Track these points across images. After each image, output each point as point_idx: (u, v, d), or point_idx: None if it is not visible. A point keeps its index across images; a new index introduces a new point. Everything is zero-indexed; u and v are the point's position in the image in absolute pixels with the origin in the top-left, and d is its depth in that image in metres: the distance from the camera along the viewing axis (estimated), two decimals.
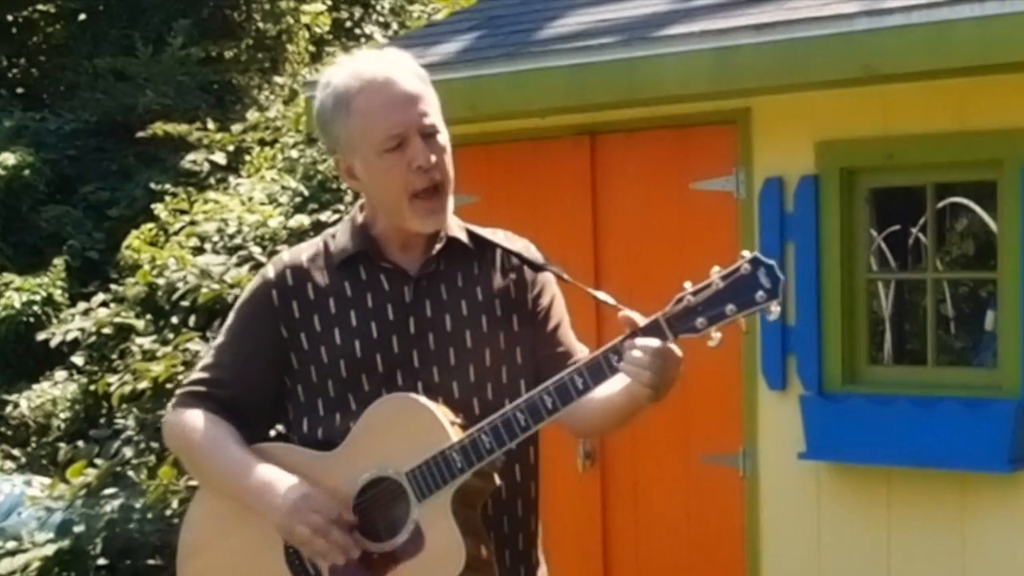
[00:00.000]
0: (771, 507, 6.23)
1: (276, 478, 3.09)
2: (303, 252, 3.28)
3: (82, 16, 20.09)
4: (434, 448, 3.00)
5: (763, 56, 5.71)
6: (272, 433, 3.34)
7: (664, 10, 6.44)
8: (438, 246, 3.21)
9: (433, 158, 3.11)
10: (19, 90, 19.46)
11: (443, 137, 3.16)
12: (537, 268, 3.27)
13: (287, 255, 3.28)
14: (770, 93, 5.99)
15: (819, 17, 5.60)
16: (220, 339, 3.32)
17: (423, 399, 3.06)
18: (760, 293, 2.85)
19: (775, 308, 2.86)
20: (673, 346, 2.93)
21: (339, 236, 3.26)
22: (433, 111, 3.15)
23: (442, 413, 3.04)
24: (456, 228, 3.26)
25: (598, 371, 2.96)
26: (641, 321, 2.95)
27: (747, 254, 2.89)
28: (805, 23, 5.62)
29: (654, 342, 2.90)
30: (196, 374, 3.31)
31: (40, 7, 20.46)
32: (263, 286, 3.25)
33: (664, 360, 2.91)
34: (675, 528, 6.53)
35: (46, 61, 20.54)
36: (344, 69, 3.17)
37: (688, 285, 2.91)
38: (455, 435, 3.00)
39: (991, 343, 5.95)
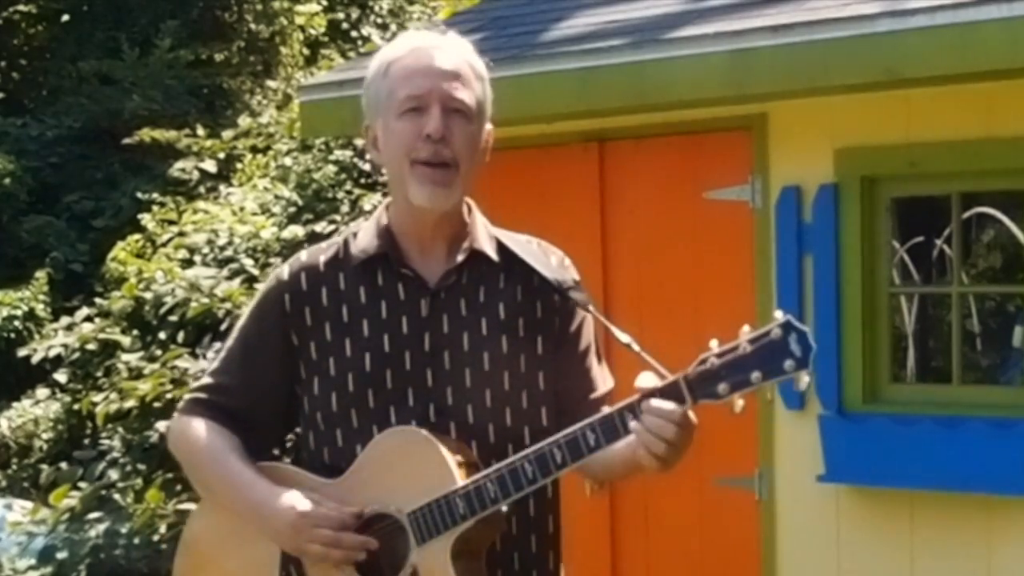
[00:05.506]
0: (788, 532, 6.23)
1: (273, 497, 3.09)
2: (321, 253, 3.24)
3: (65, 17, 20.13)
4: (438, 490, 2.98)
5: (780, 59, 5.72)
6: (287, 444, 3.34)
7: (676, 11, 6.45)
8: (460, 257, 3.17)
9: (447, 134, 3.09)
10: None
11: (472, 125, 3.14)
12: (562, 294, 3.19)
13: (305, 255, 3.26)
14: (788, 98, 6.00)
15: (839, 18, 5.61)
16: (230, 341, 3.31)
17: (431, 435, 3.03)
18: (789, 362, 2.80)
19: (804, 379, 2.81)
20: (691, 414, 2.89)
21: (360, 236, 3.23)
22: (468, 95, 3.14)
23: (450, 453, 3.01)
24: (484, 239, 3.21)
25: (611, 430, 2.92)
26: (661, 381, 2.90)
27: (780, 316, 2.84)
28: (825, 24, 5.63)
29: (673, 407, 2.86)
30: (204, 379, 3.31)
31: (21, 8, 20.50)
32: (276, 288, 3.23)
33: (682, 428, 2.87)
34: (688, 554, 6.52)
35: (27, 64, 20.59)
36: (400, 39, 3.22)
37: (714, 344, 2.85)
38: (461, 478, 2.98)
39: (1019, 360, 5.95)
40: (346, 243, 3.24)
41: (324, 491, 3.11)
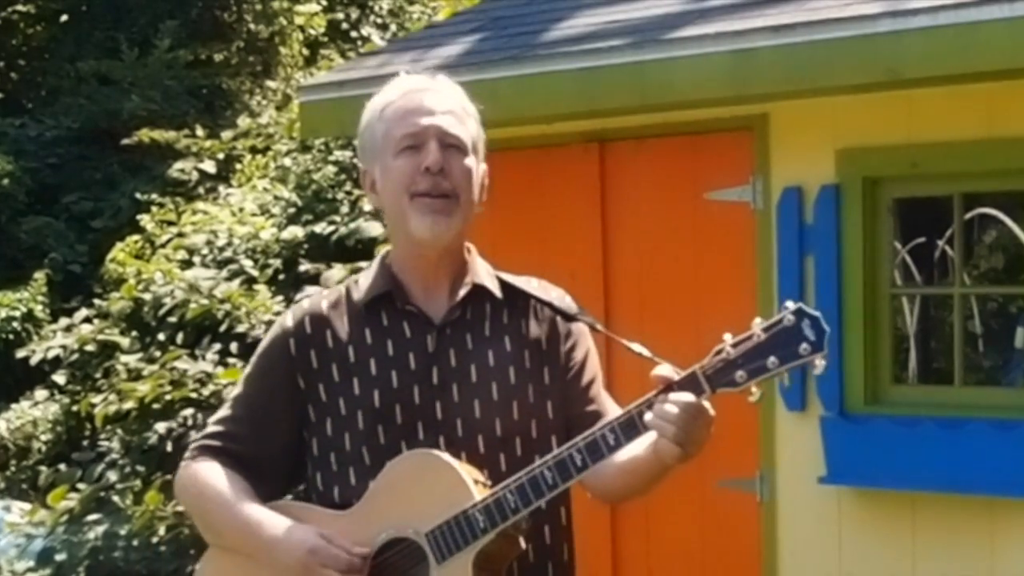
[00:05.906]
0: (790, 534, 6.23)
1: (285, 534, 3.10)
2: (324, 299, 3.28)
3: (64, 17, 20.15)
4: (456, 507, 2.98)
5: (781, 59, 5.72)
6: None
7: (677, 11, 6.44)
8: (463, 291, 3.21)
9: (445, 167, 3.14)
10: None
11: (469, 160, 3.20)
12: (569, 318, 3.25)
13: (307, 302, 3.30)
14: (789, 98, 5.99)
15: (840, 18, 5.61)
16: (237, 389, 3.33)
17: (445, 455, 3.04)
18: (804, 346, 2.84)
19: (820, 362, 2.86)
20: (706, 403, 2.92)
21: (362, 280, 3.27)
22: (463, 131, 3.20)
23: (465, 471, 3.01)
24: (485, 275, 3.26)
25: (630, 426, 2.95)
26: (677, 374, 2.94)
27: (791, 304, 2.88)
28: (826, 24, 5.63)
29: (687, 397, 2.89)
30: (211, 427, 3.32)
31: (20, 8, 20.51)
32: (280, 335, 3.26)
33: (694, 417, 2.90)
34: (689, 557, 6.52)
35: (26, 64, 20.60)
36: (391, 85, 3.26)
37: (728, 337, 2.90)
38: (478, 494, 2.98)
39: (1021, 362, 5.94)
40: (348, 289, 3.28)
41: (338, 522, 3.11)
